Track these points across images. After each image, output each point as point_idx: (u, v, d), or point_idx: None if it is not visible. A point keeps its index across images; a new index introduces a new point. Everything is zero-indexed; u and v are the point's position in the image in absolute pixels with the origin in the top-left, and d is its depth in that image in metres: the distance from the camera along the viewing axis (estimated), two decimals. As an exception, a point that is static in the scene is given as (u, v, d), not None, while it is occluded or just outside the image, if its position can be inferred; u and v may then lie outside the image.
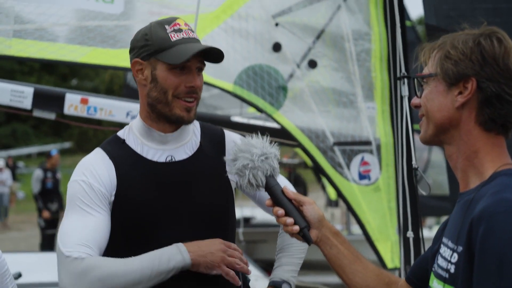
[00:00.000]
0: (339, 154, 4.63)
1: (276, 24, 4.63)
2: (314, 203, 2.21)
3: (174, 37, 2.39)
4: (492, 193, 1.76)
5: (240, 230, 9.03)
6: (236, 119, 4.77)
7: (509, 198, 1.72)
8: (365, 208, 4.60)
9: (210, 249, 2.35)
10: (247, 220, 11.27)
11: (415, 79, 1.97)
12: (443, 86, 1.88)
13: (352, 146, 4.64)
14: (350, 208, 4.64)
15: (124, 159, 2.44)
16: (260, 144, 2.26)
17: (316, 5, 4.65)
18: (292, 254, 2.65)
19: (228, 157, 2.29)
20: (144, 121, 2.48)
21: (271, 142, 2.31)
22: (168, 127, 2.46)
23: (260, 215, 11.16)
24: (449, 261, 1.82)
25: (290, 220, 2.15)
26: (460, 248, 1.78)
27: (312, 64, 4.65)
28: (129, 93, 10.56)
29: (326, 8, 4.64)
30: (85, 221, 2.34)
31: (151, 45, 2.41)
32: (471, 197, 1.82)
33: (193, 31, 2.45)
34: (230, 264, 2.37)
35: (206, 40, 4.54)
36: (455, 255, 1.80)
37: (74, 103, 4.30)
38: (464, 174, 1.89)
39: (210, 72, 4.54)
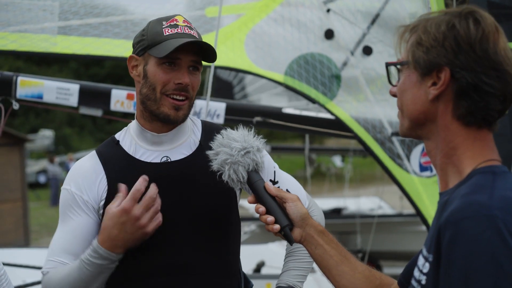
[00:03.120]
0: (398, 145, 4.37)
1: (328, 10, 4.42)
2: (298, 200, 2.05)
3: (167, 32, 2.31)
4: (463, 195, 1.54)
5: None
6: (288, 110, 4.61)
7: (479, 200, 1.50)
8: (427, 202, 4.32)
9: (123, 230, 2.19)
10: (338, 211, 11.05)
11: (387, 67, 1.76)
12: (416, 76, 1.66)
13: (412, 136, 4.36)
14: (411, 202, 4.38)
15: (116, 161, 2.37)
16: (241, 137, 2.14)
17: (370, -12, 4.40)
18: (300, 258, 2.50)
19: (210, 152, 2.16)
20: (138, 120, 2.40)
21: (256, 135, 2.19)
22: (161, 127, 2.37)
23: (352, 205, 10.92)
24: (421, 271, 1.63)
25: (270, 218, 2.02)
26: (431, 257, 1.59)
27: (367, 50, 4.42)
28: (219, 86, 10.62)
29: (381, -9, 4.39)
30: (64, 231, 2.36)
31: (145, 40, 2.34)
32: (446, 198, 1.61)
33: (192, 29, 2.35)
34: (150, 221, 2.20)
35: (255, 30, 4.41)
36: (427, 265, 1.60)
37: (120, 99, 4.28)
38: (443, 172, 1.68)
39: (260, 63, 4.42)
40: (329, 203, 11.82)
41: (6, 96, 4.39)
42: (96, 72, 34.76)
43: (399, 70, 1.73)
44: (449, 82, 1.61)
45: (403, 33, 1.71)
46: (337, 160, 20.63)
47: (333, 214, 10.82)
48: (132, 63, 2.39)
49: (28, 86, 4.32)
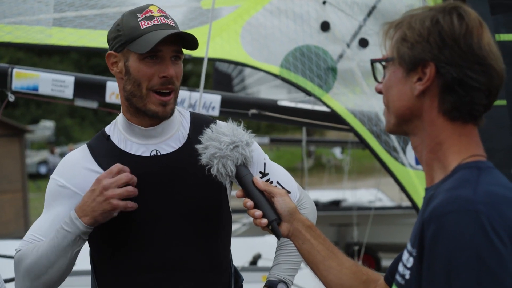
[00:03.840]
0: (394, 137, 4.36)
1: (324, 2, 4.40)
2: (286, 194, 2.06)
3: (144, 25, 2.27)
4: (447, 190, 1.55)
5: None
6: (283, 103, 4.60)
7: (463, 195, 1.51)
8: (423, 195, 4.31)
9: (92, 198, 2.22)
10: (337, 203, 11.05)
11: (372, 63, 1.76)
12: (401, 72, 1.66)
13: (408, 129, 4.35)
14: (407, 195, 4.38)
15: (107, 156, 2.36)
16: (230, 131, 2.14)
17: (366, -21, 4.38)
18: (290, 252, 2.50)
19: (199, 146, 2.16)
20: (125, 115, 2.38)
21: (245, 129, 2.20)
22: (148, 121, 2.35)
23: (352, 197, 10.93)
24: (405, 266, 1.63)
25: (258, 212, 2.02)
26: (415, 252, 1.59)
27: (363, 43, 4.40)
28: (218, 78, 10.62)
29: (378, -17, 4.37)
30: (45, 218, 2.36)
31: (122, 35, 2.30)
32: (431, 193, 1.62)
33: (168, 17, 2.32)
34: (119, 196, 2.21)
35: (251, 22, 4.40)
36: (411, 259, 1.61)
37: (115, 91, 4.27)
38: (429, 167, 1.68)
39: (255, 55, 4.40)
40: (328, 195, 11.82)
41: (1, 88, 4.39)
42: (97, 62, 34.74)
43: (384, 67, 1.73)
44: (434, 78, 1.61)
45: (388, 30, 1.71)
46: (337, 152, 20.65)
47: (332, 206, 10.83)
48: (111, 60, 2.35)
49: (24, 78, 4.32)
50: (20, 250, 2.33)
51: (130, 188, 2.22)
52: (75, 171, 2.35)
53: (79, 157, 2.38)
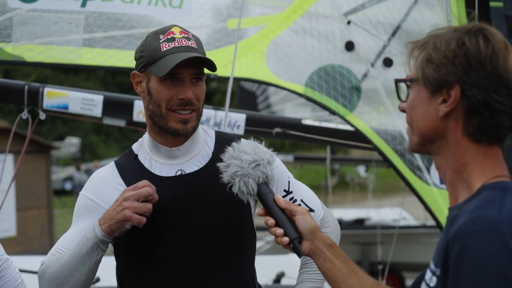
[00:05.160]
0: (418, 156, 4.37)
1: (348, 22, 4.44)
2: (307, 213, 2.07)
3: (165, 47, 2.31)
4: (472, 210, 1.57)
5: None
6: (308, 122, 4.63)
7: (488, 215, 1.53)
8: (446, 214, 4.31)
9: (113, 207, 2.28)
10: (361, 222, 11.02)
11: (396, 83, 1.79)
12: (426, 92, 1.68)
13: (432, 148, 4.36)
14: (431, 214, 4.38)
15: (134, 174, 2.41)
16: (252, 150, 2.17)
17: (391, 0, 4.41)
18: (313, 270, 2.52)
19: (221, 164, 2.20)
20: (150, 134, 2.44)
21: (267, 147, 2.23)
22: (172, 140, 2.40)
23: (376, 216, 10.89)
24: (428, 285, 1.65)
25: (279, 231, 2.04)
26: (438, 271, 1.61)
27: (388, 62, 4.43)
28: (243, 96, 10.69)
29: (402, 3, 4.40)
30: (71, 231, 2.42)
31: (145, 56, 2.36)
32: (455, 213, 1.63)
33: (189, 39, 2.35)
34: (134, 209, 2.24)
35: (276, 41, 4.45)
36: (434, 279, 1.63)
37: (142, 110, 4.33)
38: (453, 188, 1.70)
39: (280, 74, 4.45)
40: (352, 213, 11.79)
41: (33, 107, 4.49)
42: (122, 80, 35.04)
43: (408, 86, 1.75)
44: (459, 100, 1.62)
45: (412, 50, 1.73)
46: (361, 170, 20.59)
47: (356, 224, 10.79)
48: (135, 80, 2.42)
49: (54, 96, 4.41)
50: (44, 263, 2.39)
51: (148, 204, 2.25)
52: (104, 187, 2.41)
53: (107, 174, 2.44)
